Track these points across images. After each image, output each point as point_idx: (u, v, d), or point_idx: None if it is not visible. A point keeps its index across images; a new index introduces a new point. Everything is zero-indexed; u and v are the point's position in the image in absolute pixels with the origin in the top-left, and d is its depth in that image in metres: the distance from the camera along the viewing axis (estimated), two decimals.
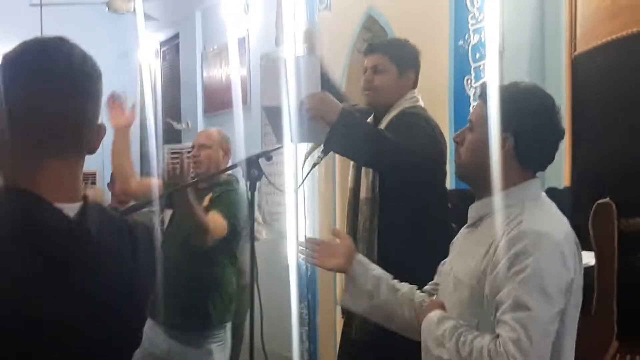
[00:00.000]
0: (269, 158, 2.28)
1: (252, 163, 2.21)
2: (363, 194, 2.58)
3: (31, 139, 1.10)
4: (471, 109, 3.41)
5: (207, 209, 3.04)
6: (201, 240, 2.90)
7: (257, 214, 5.93)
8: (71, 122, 1.12)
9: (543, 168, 1.74)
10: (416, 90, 2.70)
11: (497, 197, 1.66)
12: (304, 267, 5.04)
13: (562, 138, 1.73)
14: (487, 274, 1.61)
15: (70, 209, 1.10)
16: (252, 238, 2.27)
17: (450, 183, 3.51)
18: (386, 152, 2.36)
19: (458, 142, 1.76)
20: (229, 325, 3.24)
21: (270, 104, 2.47)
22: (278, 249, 5.24)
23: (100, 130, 1.17)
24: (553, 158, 1.71)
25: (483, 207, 1.72)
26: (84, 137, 1.14)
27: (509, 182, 1.67)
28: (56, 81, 1.11)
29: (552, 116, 1.69)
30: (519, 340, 1.49)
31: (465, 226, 1.80)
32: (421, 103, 2.69)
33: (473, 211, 1.76)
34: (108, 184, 6.62)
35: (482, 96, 1.75)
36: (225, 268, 3.22)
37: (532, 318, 1.50)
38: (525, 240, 1.56)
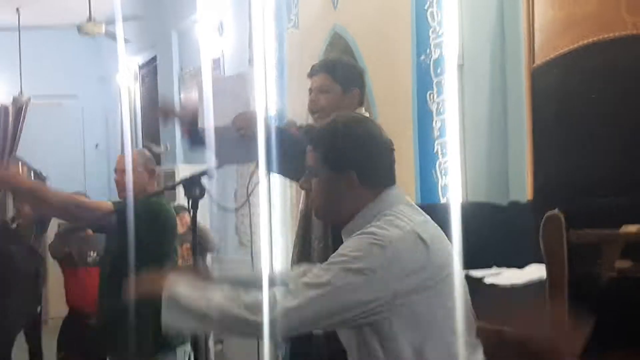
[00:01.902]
0: (211, 176, 2.23)
1: (194, 182, 2.16)
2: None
3: None
4: (434, 124, 3.41)
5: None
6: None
7: (234, 235, 5.89)
8: None
9: (392, 181, 1.83)
10: (363, 109, 2.69)
11: (355, 222, 1.76)
12: None
13: (393, 149, 1.85)
14: None
15: None
16: (196, 260, 2.22)
17: (418, 198, 3.48)
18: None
19: (306, 189, 1.88)
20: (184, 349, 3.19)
21: (211, 124, 2.43)
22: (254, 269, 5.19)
23: None
24: (393, 168, 1.84)
25: (347, 233, 1.78)
26: None
27: (362, 204, 1.76)
28: None
29: (378, 136, 1.81)
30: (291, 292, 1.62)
31: None
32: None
33: (344, 236, 1.80)
34: None
35: (311, 142, 1.83)
36: None
37: (318, 285, 1.62)
38: (352, 239, 1.68)
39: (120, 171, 3.32)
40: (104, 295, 3.32)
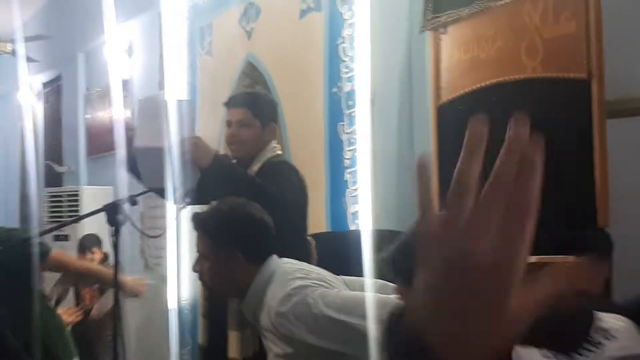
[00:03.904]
0: (133, 202, 2.27)
1: (116, 208, 2.19)
2: None
3: None
4: (344, 154, 3.54)
5: None
6: None
7: (139, 258, 5.84)
8: None
9: (271, 252, 2.08)
10: (275, 141, 2.79)
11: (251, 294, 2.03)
12: (186, 311, 4.99)
13: (271, 228, 2.12)
14: None
15: None
16: (117, 287, 2.25)
17: (328, 225, 3.58)
18: (259, 198, 2.40)
19: (197, 271, 2.05)
20: None
21: (145, 144, 2.44)
22: (160, 293, 5.17)
23: None
24: (272, 241, 2.11)
25: (250, 308, 2.05)
26: None
27: (251, 278, 2.01)
28: None
29: (259, 218, 2.08)
30: None
31: None
32: (280, 152, 2.79)
33: (246, 313, 2.10)
34: None
35: (198, 229, 2.05)
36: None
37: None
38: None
39: None
40: None
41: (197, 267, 2.03)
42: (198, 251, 2.03)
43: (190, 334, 4.91)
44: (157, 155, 2.33)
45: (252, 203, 2.10)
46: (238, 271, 1.98)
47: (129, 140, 2.55)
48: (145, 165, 2.38)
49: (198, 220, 2.05)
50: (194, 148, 2.39)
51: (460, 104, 3.10)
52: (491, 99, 2.97)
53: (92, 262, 4.88)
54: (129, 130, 2.52)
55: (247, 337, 2.56)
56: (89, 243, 4.93)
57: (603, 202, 2.53)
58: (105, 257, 5.08)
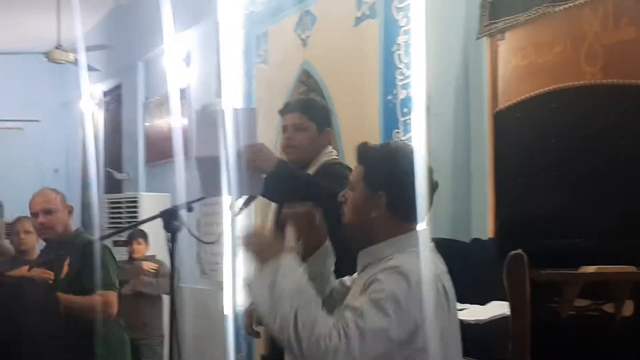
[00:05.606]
0: (190, 209, 2.29)
1: (172, 214, 2.22)
2: None
3: None
4: None
5: (70, 278, 3.12)
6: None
7: (195, 264, 5.91)
8: None
9: (418, 220, 1.82)
10: (330, 147, 2.79)
11: (378, 247, 1.79)
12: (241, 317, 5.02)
13: (435, 190, 1.86)
14: None
15: None
16: (173, 292, 2.28)
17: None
18: (323, 200, 2.40)
19: (343, 202, 1.86)
20: None
21: (204, 154, 2.46)
22: (216, 299, 5.22)
23: None
24: (428, 210, 1.82)
25: (366, 256, 1.82)
26: None
27: (387, 235, 1.78)
28: None
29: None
30: (348, 340, 1.59)
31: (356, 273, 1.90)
32: (337, 157, 2.79)
33: (360, 258, 1.84)
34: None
35: (358, 158, 1.87)
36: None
37: (366, 329, 1.60)
38: (386, 273, 1.68)
39: (42, 212, 3.26)
40: None
41: (344, 197, 1.85)
42: (350, 180, 1.86)
43: (245, 340, 4.94)
44: (216, 164, 2.34)
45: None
46: (374, 216, 1.76)
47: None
48: (205, 175, 2.39)
49: (365, 149, 1.86)
50: (258, 154, 2.40)
51: (517, 111, 3.06)
52: (550, 106, 2.93)
53: (138, 252, 5.22)
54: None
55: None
56: (136, 235, 5.24)
57: None
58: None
